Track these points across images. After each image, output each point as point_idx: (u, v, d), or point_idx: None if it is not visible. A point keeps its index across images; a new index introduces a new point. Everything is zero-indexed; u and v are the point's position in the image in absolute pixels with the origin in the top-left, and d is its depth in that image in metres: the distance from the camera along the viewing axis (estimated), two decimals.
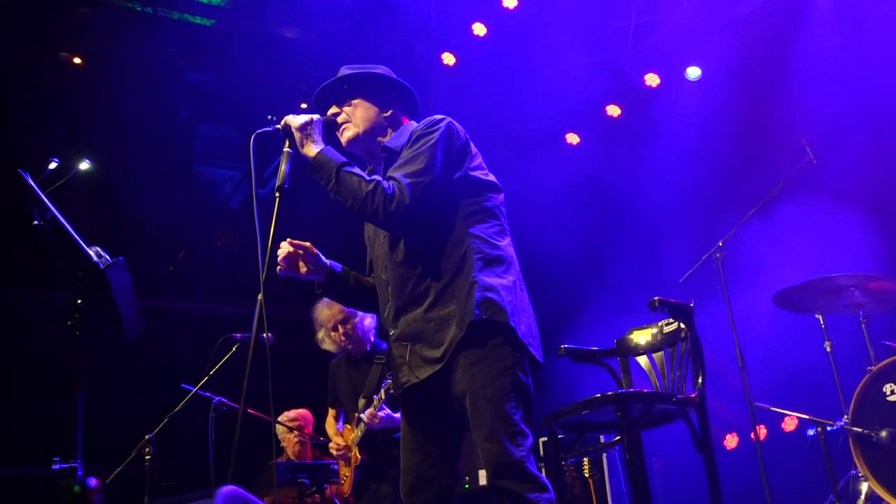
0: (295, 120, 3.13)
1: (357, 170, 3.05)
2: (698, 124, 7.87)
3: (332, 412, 6.20)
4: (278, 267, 3.19)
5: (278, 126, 3.14)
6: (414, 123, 3.32)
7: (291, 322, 6.49)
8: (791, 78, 7.01)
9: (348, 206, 3.02)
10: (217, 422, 5.44)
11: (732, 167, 7.57)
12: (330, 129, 3.27)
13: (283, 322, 5.63)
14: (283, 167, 3.07)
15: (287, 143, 3.12)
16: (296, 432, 6.79)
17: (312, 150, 3.08)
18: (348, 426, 5.94)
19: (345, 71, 3.38)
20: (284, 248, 3.20)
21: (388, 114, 3.35)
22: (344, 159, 3.07)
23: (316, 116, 3.19)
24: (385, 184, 2.99)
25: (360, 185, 2.99)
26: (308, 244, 3.24)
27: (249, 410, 5.32)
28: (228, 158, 9.37)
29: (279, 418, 6.81)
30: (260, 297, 2.82)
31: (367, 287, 3.40)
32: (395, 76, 3.43)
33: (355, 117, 3.30)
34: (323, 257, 3.29)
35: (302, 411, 7.01)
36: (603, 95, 8.54)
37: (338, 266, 3.36)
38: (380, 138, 3.32)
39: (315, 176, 3.08)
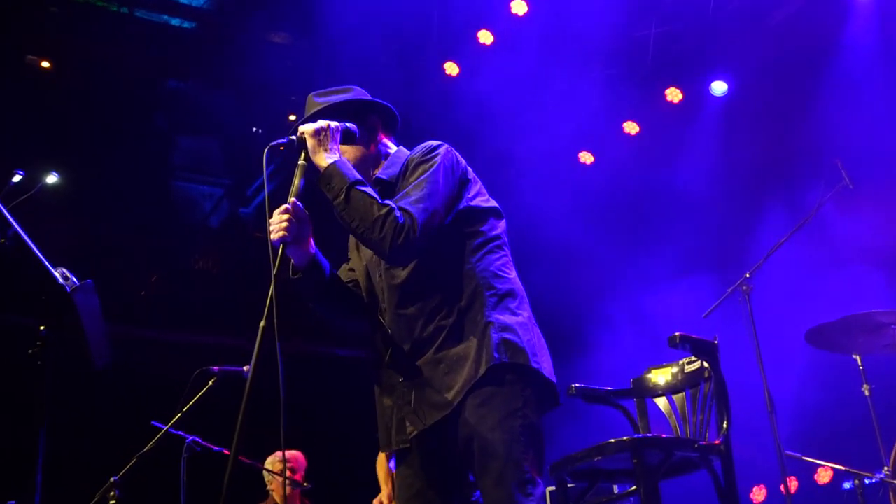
0: (309, 126, 3.06)
1: (370, 190, 2.99)
2: (723, 144, 7.91)
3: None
4: (280, 233, 2.88)
5: (293, 137, 3.08)
6: (405, 150, 3.32)
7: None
8: (827, 93, 7.04)
9: (353, 227, 2.97)
10: (189, 463, 5.40)
11: (761, 192, 7.59)
12: (348, 140, 3.19)
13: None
14: (296, 181, 2.99)
15: (302, 154, 3.04)
16: (277, 477, 6.73)
17: (325, 159, 3.00)
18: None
19: (316, 99, 3.33)
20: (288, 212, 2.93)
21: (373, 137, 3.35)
22: (358, 176, 3.01)
23: (335, 123, 3.11)
24: (398, 212, 2.93)
25: (371, 208, 2.92)
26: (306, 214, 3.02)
27: (226, 451, 5.32)
28: (209, 173, 9.37)
29: (268, 459, 6.77)
30: (262, 323, 2.73)
31: (354, 294, 3.30)
32: (369, 97, 3.39)
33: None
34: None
35: (295, 453, 6.93)
36: (620, 111, 8.57)
37: (325, 261, 3.21)
38: (371, 169, 3.28)
39: (324, 188, 3.00)
